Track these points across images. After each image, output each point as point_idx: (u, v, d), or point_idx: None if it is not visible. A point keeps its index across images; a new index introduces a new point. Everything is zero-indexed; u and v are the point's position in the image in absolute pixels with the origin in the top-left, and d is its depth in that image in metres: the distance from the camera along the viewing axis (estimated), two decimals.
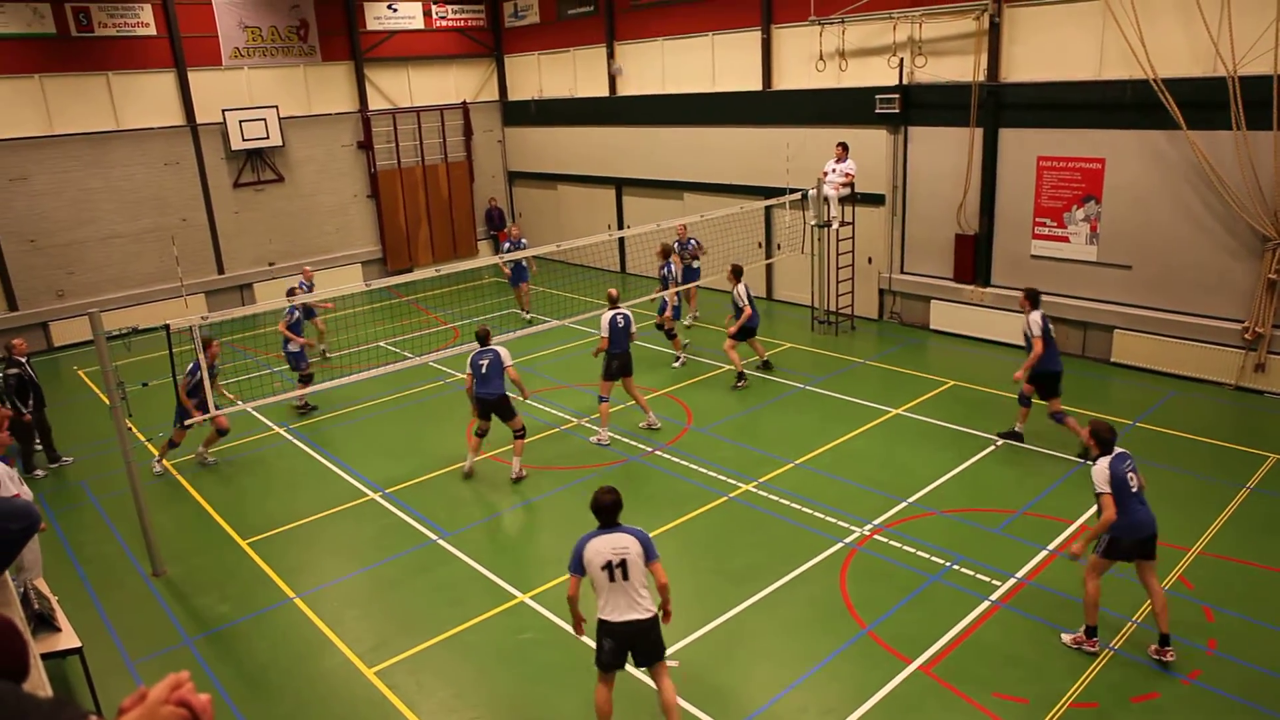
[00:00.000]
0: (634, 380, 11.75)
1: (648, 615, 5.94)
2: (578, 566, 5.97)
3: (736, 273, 13.36)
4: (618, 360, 11.50)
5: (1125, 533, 6.65)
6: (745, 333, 13.26)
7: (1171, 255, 12.81)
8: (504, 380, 10.39)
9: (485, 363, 10.32)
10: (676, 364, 14.34)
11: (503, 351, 10.41)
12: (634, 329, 11.62)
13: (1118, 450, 6.74)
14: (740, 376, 13.23)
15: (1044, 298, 14.04)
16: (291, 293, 13.28)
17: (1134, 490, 6.66)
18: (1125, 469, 6.67)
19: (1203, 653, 6.97)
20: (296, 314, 13.19)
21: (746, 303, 13.07)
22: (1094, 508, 6.86)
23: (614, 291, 11.90)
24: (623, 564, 5.87)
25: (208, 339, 11.12)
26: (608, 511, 5.99)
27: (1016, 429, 10.86)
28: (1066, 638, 7.17)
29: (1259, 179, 11.64)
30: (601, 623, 5.99)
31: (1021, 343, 14.15)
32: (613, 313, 11.51)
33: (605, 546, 5.90)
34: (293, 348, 13.08)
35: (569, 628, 7.69)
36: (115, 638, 8.02)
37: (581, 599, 6.06)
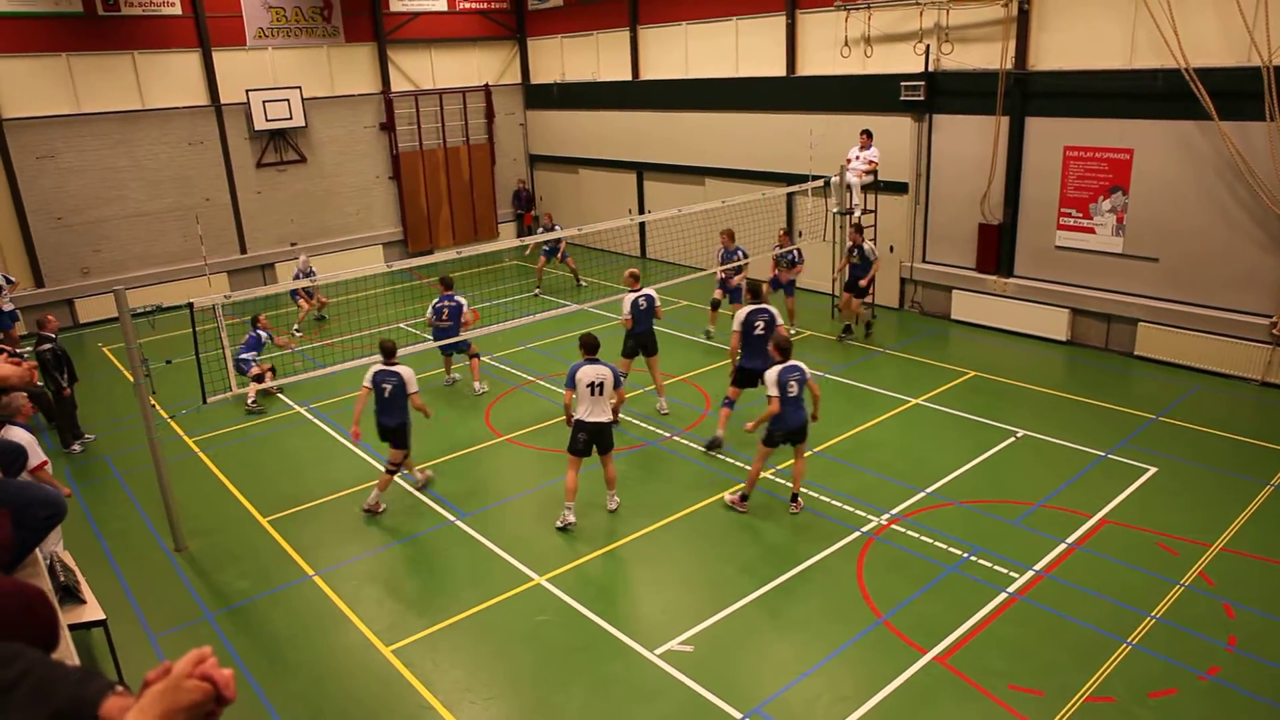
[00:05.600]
0: (659, 361, 11.71)
1: (608, 419, 8.89)
2: (572, 383, 8.74)
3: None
4: (634, 339, 11.52)
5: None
6: None
7: (1199, 248, 12.63)
8: (407, 406, 9.44)
9: (389, 386, 9.34)
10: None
11: (407, 373, 9.38)
12: (659, 308, 11.54)
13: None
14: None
15: (1068, 289, 14.07)
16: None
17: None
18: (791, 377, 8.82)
19: (1222, 649, 6.92)
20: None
21: None
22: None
23: (635, 271, 11.72)
24: (601, 384, 8.69)
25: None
26: (593, 347, 8.82)
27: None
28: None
29: None
30: (579, 422, 8.78)
31: (1041, 335, 14.22)
32: (634, 295, 11.36)
33: (592, 372, 8.68)
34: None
35: (585, 610, 7.78)
36: (138, 611, 8.16)
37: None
